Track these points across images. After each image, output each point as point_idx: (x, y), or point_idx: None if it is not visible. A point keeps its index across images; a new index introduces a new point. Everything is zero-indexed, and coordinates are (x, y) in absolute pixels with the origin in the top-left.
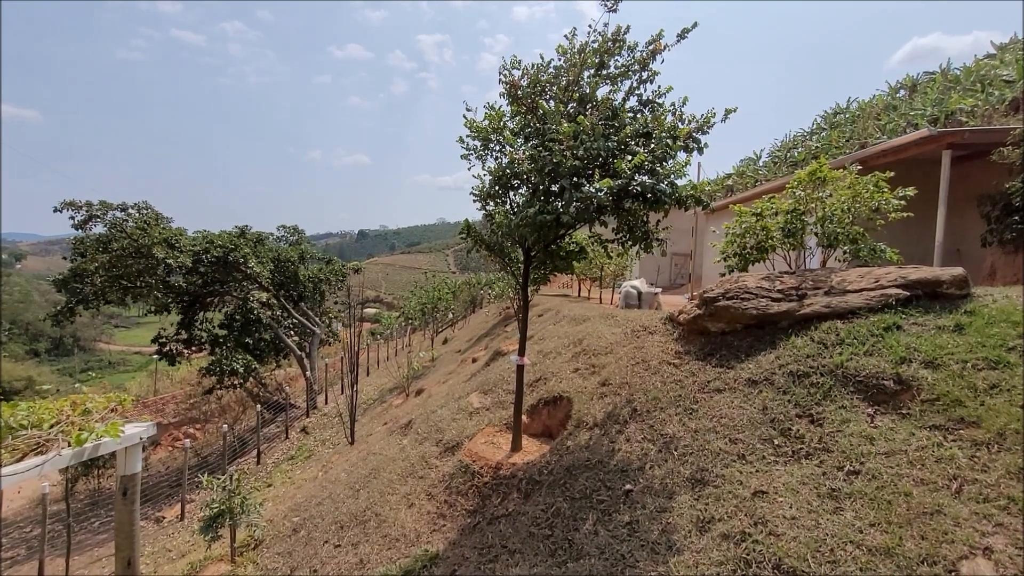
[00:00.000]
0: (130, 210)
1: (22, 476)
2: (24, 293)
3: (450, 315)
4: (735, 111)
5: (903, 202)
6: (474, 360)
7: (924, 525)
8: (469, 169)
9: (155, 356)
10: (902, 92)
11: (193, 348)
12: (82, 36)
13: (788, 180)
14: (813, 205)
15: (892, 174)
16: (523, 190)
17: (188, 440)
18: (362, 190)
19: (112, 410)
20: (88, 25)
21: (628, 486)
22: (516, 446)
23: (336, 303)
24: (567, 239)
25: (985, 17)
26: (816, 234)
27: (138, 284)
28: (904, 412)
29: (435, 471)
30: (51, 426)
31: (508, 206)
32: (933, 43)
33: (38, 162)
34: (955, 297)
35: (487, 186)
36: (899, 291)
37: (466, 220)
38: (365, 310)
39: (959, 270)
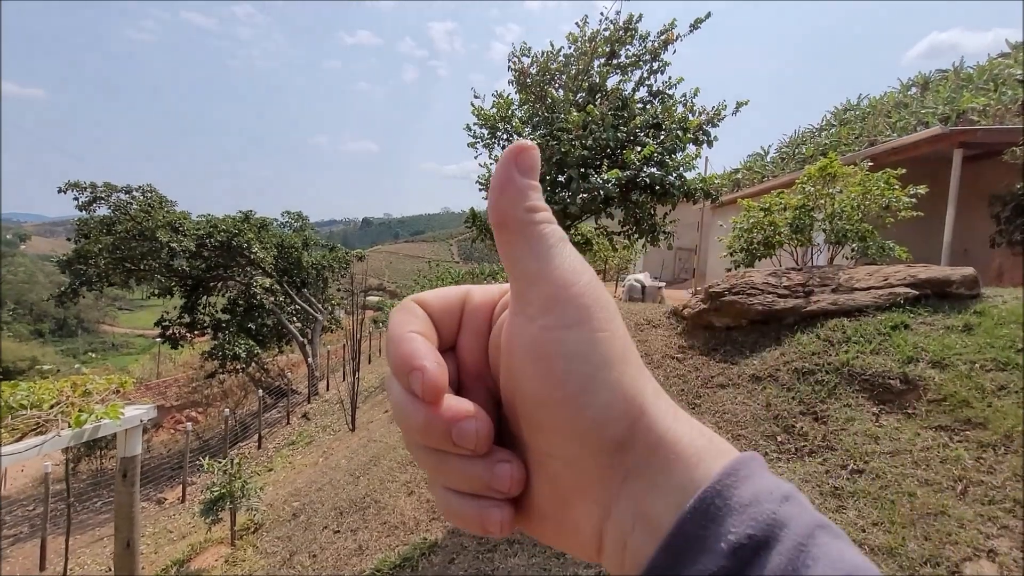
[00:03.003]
0: (134, 192)
1: (22, 456)
2: (29, 273)
3: None
4: (746, 104)
5: (914, 200)
6: None
7: (928, 526)
8: (476, 157)
9: (158, 339)
10: (913, 89)
11: (196, 332)
12: (91, 16)
13: (797, 176)
14: (823, 201)
15: (904, 171)
16: None
17: (190, 423)
18: (367, 177)
19: (115, 392)
20: (98, 5)
21: None
22: None
23: (339, 290)
24: (573, 231)
25: (1007, 14)
26: (824, 230)
27: (141, 267)
28: (910, 412)
29: None
30: (51, 407)
31: None
32: (952, 39)
33: (43, 142)
34: (965, 297)
35: (493, 175)
36: (908, 290)
37: (471, 209)
38: (368, 298)
39: (969, 270)
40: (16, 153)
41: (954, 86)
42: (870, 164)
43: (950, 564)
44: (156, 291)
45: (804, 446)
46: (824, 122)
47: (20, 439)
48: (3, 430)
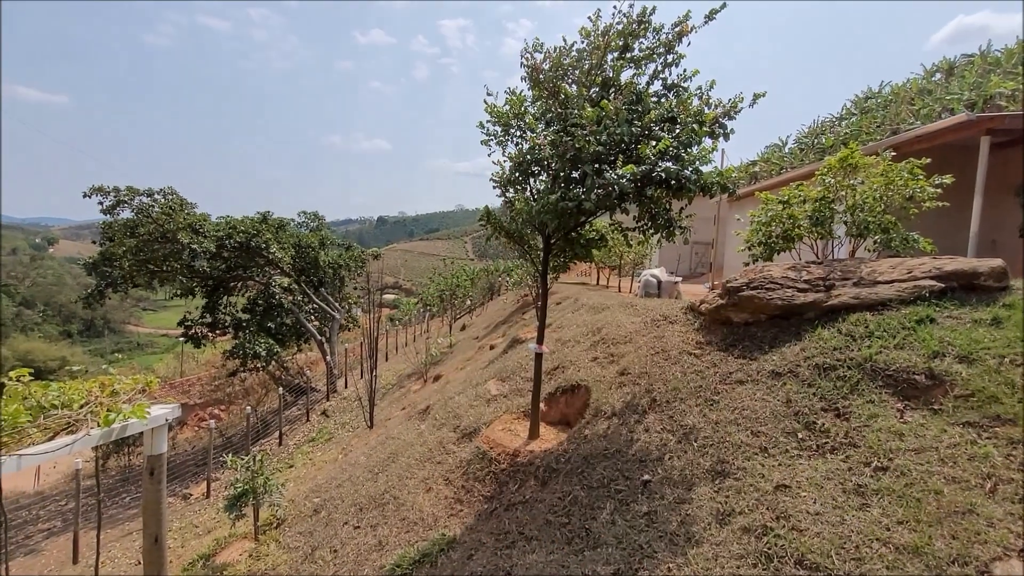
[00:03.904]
0: (156, 195)
1: (54, 454)
2: (57, 276)
3: (468, 302)
4: (763, 96)
5: (939, 190)
6: (492, 347)
7: (955, 524)
8: (489, 155)
9: (181, 339)
10: (938, 75)
11: (217, 331)
12: (110, 21)
13: (816, 167)
14: (843, 192)
15: (928, 160)
16: (544, 176)
17: (213, 421)
18: (381, 176)
19: (141, 391)
20: (117, 10)
21: (646, 476)
22: (533, 434)
23: (355, 289)
24: (588, 227)
25: None
26: (845, 223)
27: (164, 268)
28: (936, 408)
29: (452, 457)
30: (81, 406)
31: (528, 193)
32: (980, 22)
33: (68, 147)
34: (993, 289)
35: (507, 172)
36: (933, 283)
37: (485, 207)
38: (384, 296)
39: (998, 261)
40: (43, 158)
41: (981, 71)
42: (893, 154)
43: (979, 564)
44: (178, 292)
45: (826, 443)
46: (844, 111)
47: (52, 438)
48: (36, 429)
